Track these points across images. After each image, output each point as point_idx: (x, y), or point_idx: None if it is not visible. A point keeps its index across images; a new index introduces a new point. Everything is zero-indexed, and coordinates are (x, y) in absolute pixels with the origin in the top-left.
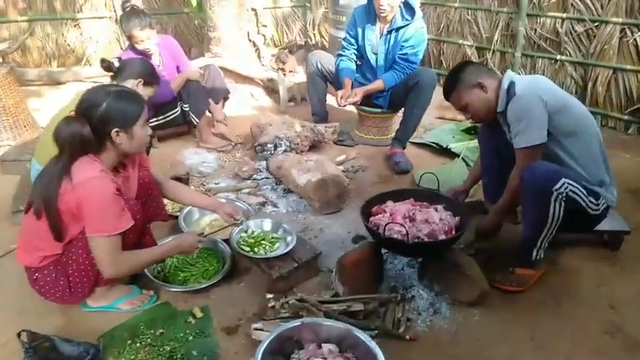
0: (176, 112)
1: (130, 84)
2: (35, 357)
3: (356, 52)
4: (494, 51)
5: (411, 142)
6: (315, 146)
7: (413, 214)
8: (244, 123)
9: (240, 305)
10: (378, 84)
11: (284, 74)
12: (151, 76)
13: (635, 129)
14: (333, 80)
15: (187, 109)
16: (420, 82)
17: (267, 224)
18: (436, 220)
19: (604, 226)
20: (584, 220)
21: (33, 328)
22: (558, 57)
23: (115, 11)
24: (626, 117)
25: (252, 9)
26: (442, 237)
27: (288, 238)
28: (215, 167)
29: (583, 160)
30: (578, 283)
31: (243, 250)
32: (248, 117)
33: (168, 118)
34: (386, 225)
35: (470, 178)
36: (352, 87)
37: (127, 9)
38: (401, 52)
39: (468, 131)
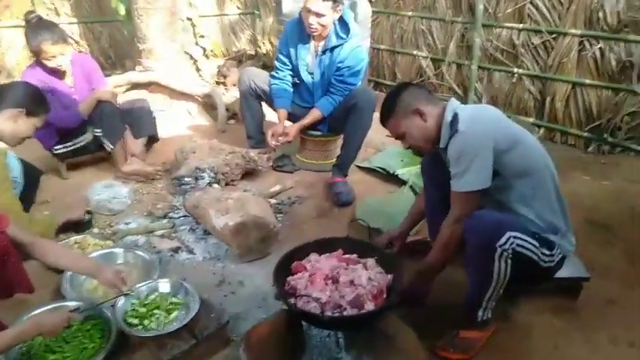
0: (86, 137)
1: (7, 115)
2: None
3: (291, 72)
4: (449, 63)
5: (358, 167)
6: (250, 174)
7: (337, 272)
8: (176, 145)
9: None
10: (314, 114)
11: (226, 89)
12: (36, 105)
13: (595, 147)
14: (269, 101)
15: (100, 134)
16: (357, 104)
17: (165, 286)
18: (363, 282)
19: (561, 272)
20: (537, 272)
21: None
22: (515, 70)
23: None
24: (585, 134)
25: (188, 18)
26: (369, 304)
27: (191, 303)
28: (128, 203)
29: (535, 205)
30: (532, 344)
31: (129, 324)
32: (182, 137)
33: (77, 145)
34: (297, 297)
35: (408, 220)
36: (291, 114)
37: (33, 20)
38: (337, 74)
39: (419, 153)
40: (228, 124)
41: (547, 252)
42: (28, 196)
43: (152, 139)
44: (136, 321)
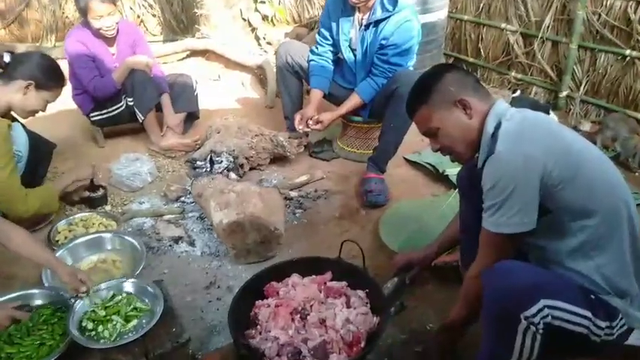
0: (120, 106)
1: (16, 86)
2: None
3: (332, 48)
4: (543, 40)
5: (405, 159)
6: (280, 159)
7: (310, 306)
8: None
9: None
10: (353, 100)
11: None
12: (49, 77)
13: None
14: (307, 79)
15: (132, 103)
16: (398, 90)
17: (129, 286)
18: (337, 324)
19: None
20: (586, 346)
21: None
22: (628, 52)
23: None
24: None
25: None
26: (337, 357)
27: (156, 312)
28: (148, 181)
29: (598, 257)
30: None
31: (82, 328)
32: (227, 111)
33: (111, 113)
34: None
35: (439, 241)
36: (331, 94)
37: None
38: (380, 52)
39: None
40: (278, 99)
41: (604, 324)
42: (34, 170)
43: (192, 116)
44: (90, 325)
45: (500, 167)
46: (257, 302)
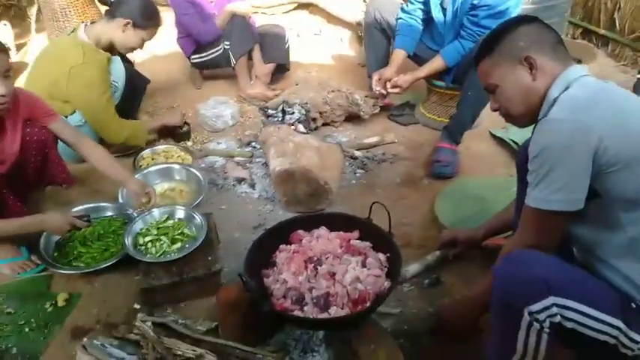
0: (218, 50)
1: (117, 24)
2: None
3: (422, 6)
4: None
5: (491, 134)
6: (356, 117)
7: (326, 258)
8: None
9: (111, 304)
10: (436, 62)
11: None
12: (145, 18)
13: None
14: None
15: (228, 47)
16: None
17: (181, 213)
18: (345, 281)
19: None
20: (616, 357)
21: None
22: None
23: None
24: None
25: None
26: (339, 309)
27: (199, 239)
28: (229, 124)
29: None
30: None
31: (136, 243)
32: (319, 65)
33: (209, 57)
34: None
35: (492, 222)
36: (418, 56)
37: None
38: (471, 13)
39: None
40: None
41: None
42: (130, 101)
43: (283, 67)
44: (142, 240)
45: (547, 134)
46: (281, 246)
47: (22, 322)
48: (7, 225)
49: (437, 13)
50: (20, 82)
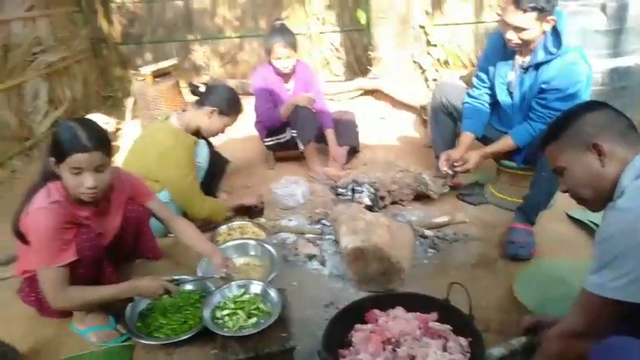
0: (284, 136)
1: (204, 111)
2: None
3: (489, 91)
4: None
5: (568, 216)
6: (424, 197)
7: (405, 340)
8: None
9: None
10: (505, 142)
11: None
12: (229, 107)
13: None
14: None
15: (295, 134)
16: None
17: (257, 288)
18: None
19: None
20: None
21: (18, 332)
22: None
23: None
24: None
25: (420, 26)
26: None
27: (274, 314)
28: (300, 202)
29: None
30: None
31: (214, 316)
32: (386, 147)
33: (280, 141)
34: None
35: None
36: (486, 137)
37: (277, 25)
38: (540, 96)
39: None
40: None
41: None
42: (211, 180)
43: (354, 149)
44: (219, 313)
45: (613, 223)
46: (356, 325)
47: None
48: (104, 291)
49: (504, 97)
50: (116, 163)
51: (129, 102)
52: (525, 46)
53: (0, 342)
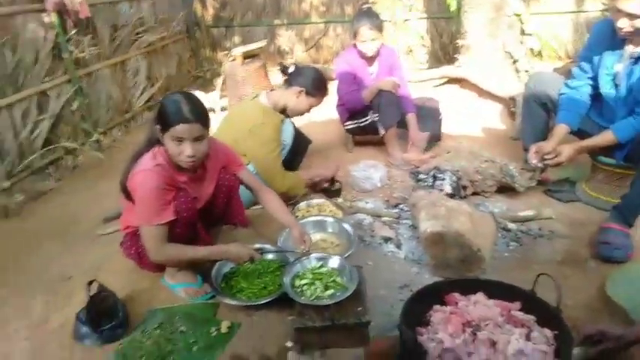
0: (366, 120)
1: (292, 91)
2: (91, 305)
3: (591, 82)
4: None
5: None
6: (509, 189)
7: (485, 324)
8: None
9: (266, 338)
10: (605, 136)
11: None
12: (315, 88)
13: None
14: (555, 112)
15: (376, 118)
16: None
17: (335, 262)
18: (508, 351)
19: None
20: None
21: (118, 282)
22: None
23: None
24: None
25: (516, 14)
26: None
27: (350, 288)
28: (377, 185)
29: None
30: None
31: (293, 284)
32: (470, 137)
33: (360, 125)
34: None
35: None
36: (583, 131)
37: (364, 8)
38: None
39: None
40: None
41: None
42: (293, 158)
43: (435, 137)
44: (298, 283)
45: None
46: (435, 306)
47: (192, 340)
48: (198, 251)
49: (608, 89)
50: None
51: (219, 81)
52: (638, 35)
53: (103, 288)
